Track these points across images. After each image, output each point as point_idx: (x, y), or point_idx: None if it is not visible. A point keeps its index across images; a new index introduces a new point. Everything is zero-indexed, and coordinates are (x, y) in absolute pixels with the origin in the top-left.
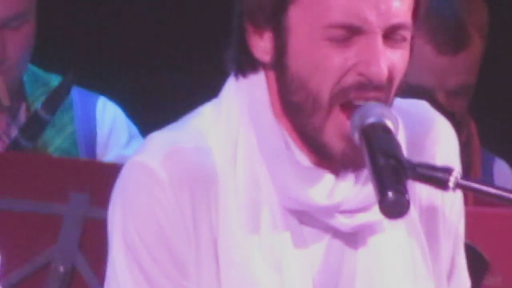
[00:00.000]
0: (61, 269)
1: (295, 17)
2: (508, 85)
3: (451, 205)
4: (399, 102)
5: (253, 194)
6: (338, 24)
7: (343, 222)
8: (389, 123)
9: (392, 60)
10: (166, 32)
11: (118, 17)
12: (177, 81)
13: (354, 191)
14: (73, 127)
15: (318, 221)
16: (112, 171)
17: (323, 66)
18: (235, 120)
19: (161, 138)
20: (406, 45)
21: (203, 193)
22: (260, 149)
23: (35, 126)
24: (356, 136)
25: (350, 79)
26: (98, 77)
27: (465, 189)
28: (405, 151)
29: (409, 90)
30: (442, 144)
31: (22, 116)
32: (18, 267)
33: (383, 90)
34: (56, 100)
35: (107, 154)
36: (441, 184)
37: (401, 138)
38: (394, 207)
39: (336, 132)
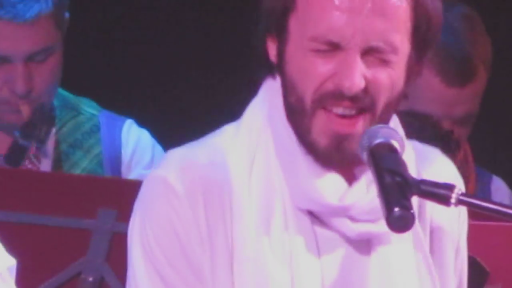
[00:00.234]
0: (90, 279)
1: (293, 25)
2: (497, 103)
3: (460, 225)
4: (419, 145)
5: (267, 198)
6: (320, 39)
7: (350, 227)
8: (395, 143)
9: (374, 76)
10: (195, 57)
11: (144, 42)
12: (206, 102)
13: (365, 200)
14: (99, 148)
15: (328, 225)
16: (138, 187)
17: (308, 72)
18: (255, 131)
19: (178, 154)
20: (396, 66)
21: (216, 203)
22: (277, 153)
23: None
24: (365, 156)
25: (330, 86)
26: (126, 99)
27: (466, 205)
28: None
29: (415, 116)
30: (444, 175)
31: (51, 142)
32: (51, 277)
33: (359, 101)
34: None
35: (130, 174)
36: (443, 200)
37: (412, 170)
38: (400, 222)
39: (320, 132)
